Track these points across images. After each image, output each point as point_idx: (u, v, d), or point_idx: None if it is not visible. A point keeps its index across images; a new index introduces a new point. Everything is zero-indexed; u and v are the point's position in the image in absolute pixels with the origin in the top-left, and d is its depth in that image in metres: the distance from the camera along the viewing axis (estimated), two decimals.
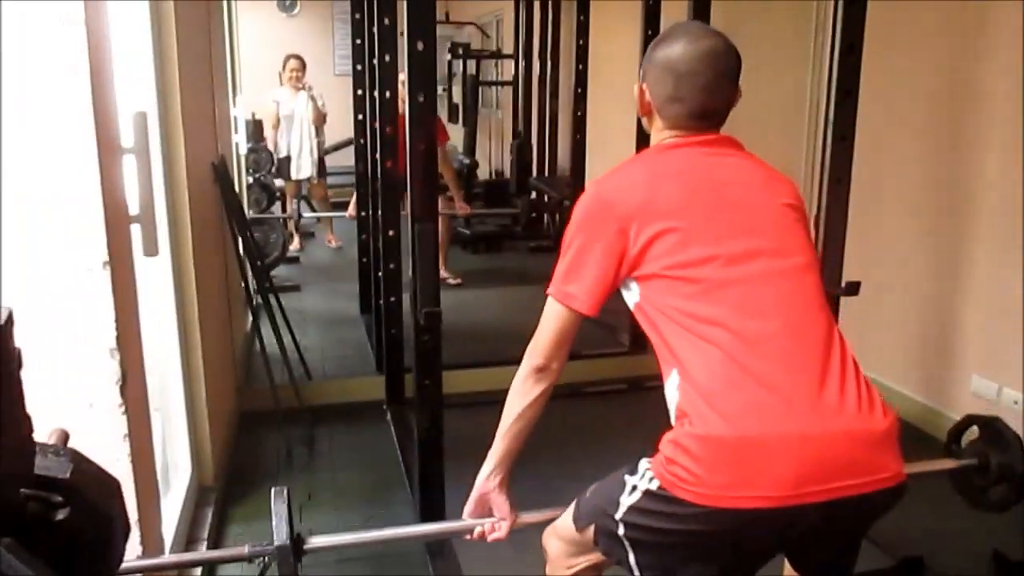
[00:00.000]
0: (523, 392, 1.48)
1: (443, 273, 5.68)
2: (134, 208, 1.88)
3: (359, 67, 4.40)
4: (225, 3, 4.43)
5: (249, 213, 5.63)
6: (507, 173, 7.64)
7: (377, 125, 3.59)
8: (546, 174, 7.01)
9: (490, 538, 1.61)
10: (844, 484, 1.22)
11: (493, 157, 9.24)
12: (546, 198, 6.69)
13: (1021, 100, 2.86)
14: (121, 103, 1.93)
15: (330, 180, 6.82)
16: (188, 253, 2.55)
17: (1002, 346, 3.01)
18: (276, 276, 5.74)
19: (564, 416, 3.46)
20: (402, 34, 2.26)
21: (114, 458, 1.66)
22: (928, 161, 3.35)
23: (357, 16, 4.36)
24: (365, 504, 2.81)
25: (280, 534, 1.50)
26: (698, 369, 1.29)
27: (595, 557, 1.50)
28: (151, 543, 1.81)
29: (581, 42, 4.60)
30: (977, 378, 3.11)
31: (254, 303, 4.14)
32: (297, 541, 1.56)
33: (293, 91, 6.46)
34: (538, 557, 2.33)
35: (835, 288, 2.62)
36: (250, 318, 4.18)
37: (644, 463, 1.35)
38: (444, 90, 8.34)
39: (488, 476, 1.57)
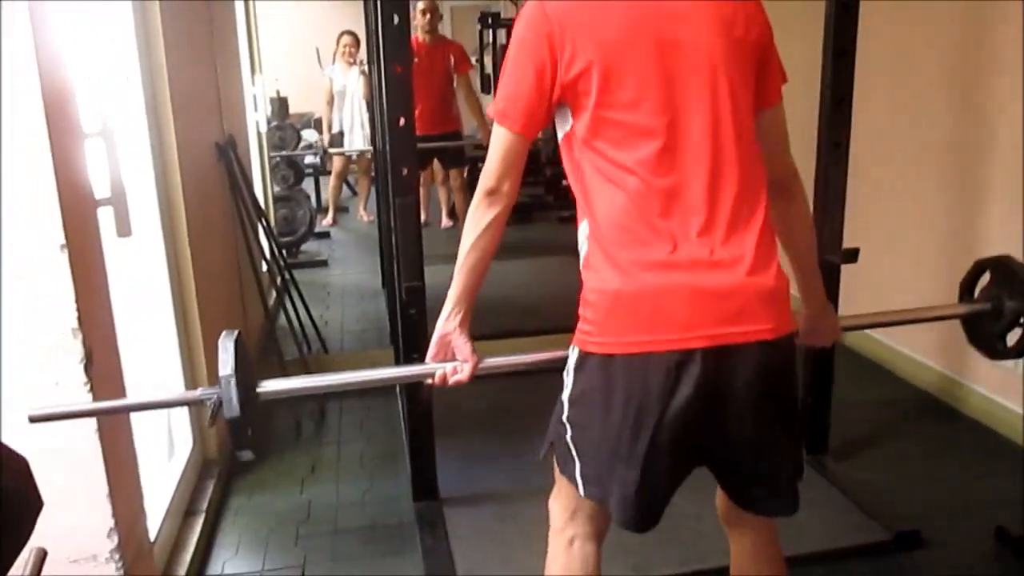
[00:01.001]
0: (476, 219, 1.43)
1: None
2: (106, 191, 1.93)
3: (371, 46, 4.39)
4: None
5: (275, 190, 5.73)
6: (539, 143, 7.59)
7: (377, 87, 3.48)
8: None
9: (451, 380, 1.51)
10: (724, 331, 1.27)
11: None
12: None
13: None
14: (95, 89, 1.98)
15: None
16: (183, 233, 2.60)
17: None
18: (305, 251, 5.86)
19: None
20: None
21: (81, 434, 1.72)
22: (942, 122, 3.22)
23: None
24: (365, 477, 2.85)
25: (225, 367, 1.39)
26: (605, 218, 1.33)
27: (589, 513, 1.49)
28: (127, 512, 1.86)
29: None
30: None
31: (277, 280, 4.21)
32: (246, 381, 1.45)
33: (346, 67, 6.57)
34: (522, 528, 2.37)
35: (834, 255, 2.55)
36: (274, 294, 4.27)
37: (572, 346, 1.41)
38: (476, 61, 8.30)
39: (448, 316, 1.49)
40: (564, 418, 1.42)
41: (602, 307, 1.31)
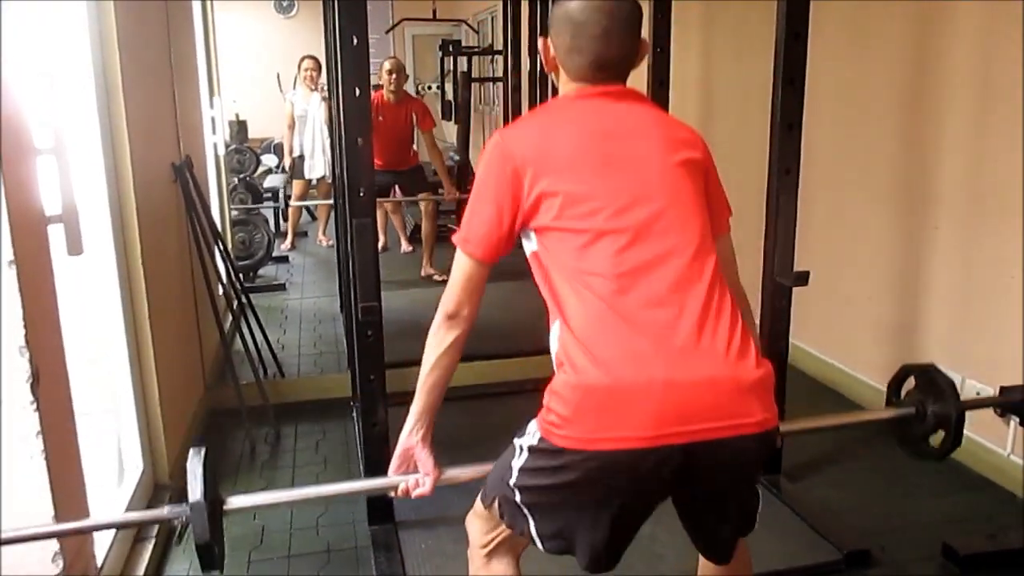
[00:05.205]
0: (437, 341, 1.50)
1: (429, 270, 5.68)
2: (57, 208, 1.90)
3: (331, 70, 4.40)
4: (200, 6, 4.45)
5: (233, 214, 5.68)
6: None
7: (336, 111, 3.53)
8: None
9: (414, 494, 1.60)
10: (704, 427, 1.27)
11: None
12: None
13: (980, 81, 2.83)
14: (49, 104, 1.96)
15: None
16: (136, 252, 2.56)
17: (963, 337, 2.98)
18: (263, 275, 5.81)
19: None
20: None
21: (27, 455, 1.68)
22: (891, 150, 3.31)
23: (330, 23, 4.36)
24: (320, 502, 2.80)
25: (195, 492, 1.46)
26: (577, 317, 1.34)
27: (507, 533, 1.51)
28: (73, 537, 1.82)
29: None
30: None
31: (234, 304, 4.16)
32: (215, 501, 1.52)
33: (308, 91, 6.59)
34: None
35: (785, 279, 2.60)
36: (230, 318, 4.22)
37: (532, 423, 1.40)
38: (437, 87, 8.36)
39: (411, 431, 1.57)
40: (512, 483, 1.41)
41: (574, 401, 1.29)
